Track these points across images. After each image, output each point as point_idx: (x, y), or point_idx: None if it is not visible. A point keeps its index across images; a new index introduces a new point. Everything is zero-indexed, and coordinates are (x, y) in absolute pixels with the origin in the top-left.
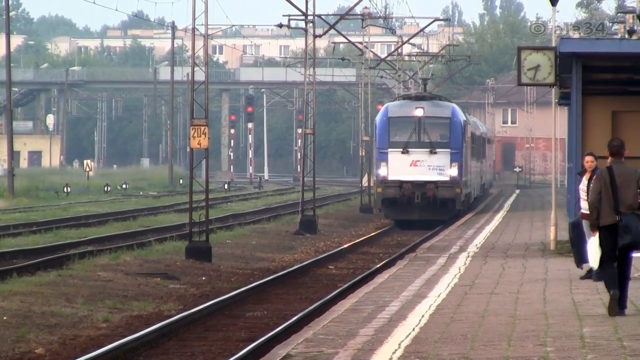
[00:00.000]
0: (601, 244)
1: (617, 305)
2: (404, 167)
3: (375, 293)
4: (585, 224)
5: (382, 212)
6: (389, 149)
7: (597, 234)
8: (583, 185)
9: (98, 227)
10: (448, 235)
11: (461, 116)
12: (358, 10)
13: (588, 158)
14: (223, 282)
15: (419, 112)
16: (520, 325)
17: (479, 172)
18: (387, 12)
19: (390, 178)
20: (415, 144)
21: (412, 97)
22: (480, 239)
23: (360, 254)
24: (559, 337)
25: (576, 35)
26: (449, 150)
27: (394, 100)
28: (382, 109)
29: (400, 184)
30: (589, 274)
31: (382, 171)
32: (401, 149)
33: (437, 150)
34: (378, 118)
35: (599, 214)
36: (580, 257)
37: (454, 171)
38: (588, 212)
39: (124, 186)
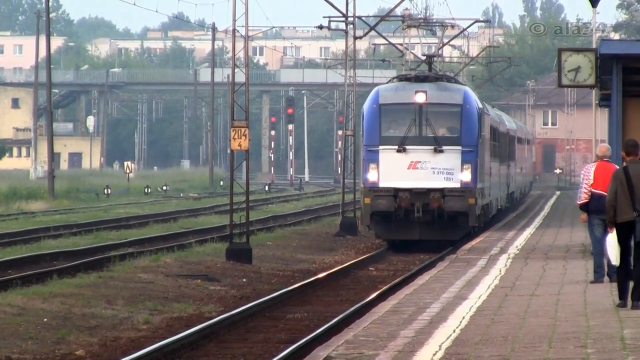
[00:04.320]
0: (618, 240)
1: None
2: (400, 170)
3: (416, 295)
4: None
5: (370, 229)
6: (380, 147)
7: (615, 231)
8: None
9: (138, 228)
10: (488, 237)
11: (477, 103)
12: (398, 11)
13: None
14: (264, 284)
15: (419, 98)
16: (561, 327)
17: (504, 177)
18: (428, 14)
19: (381, 185)
20: (414, 139)
21: (410, 78)
22: (520, 241)
23: (400, 256)
24: (600, 339)
25: (617, 37)
26: (459, 147)
27: (387, 82)
28: (371, 93)
29: (395, 192)
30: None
31: (371, 176)
32: (396, 147)
33: (444, 147)
34: (366, 106)
35: (615, 211)
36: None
37: (466, 175)
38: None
39: (164, 188)
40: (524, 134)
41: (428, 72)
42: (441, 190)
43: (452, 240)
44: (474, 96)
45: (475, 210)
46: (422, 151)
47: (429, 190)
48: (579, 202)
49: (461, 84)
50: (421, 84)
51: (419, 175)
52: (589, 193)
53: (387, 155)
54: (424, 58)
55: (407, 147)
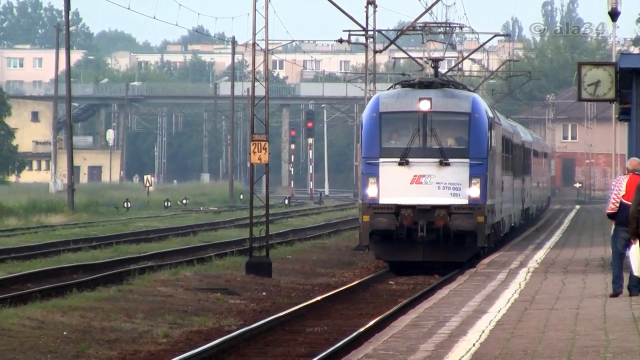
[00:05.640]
0: None
1: None
2: (402, 185)
3: (436, 308)
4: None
5: (370, 250)
6: (381, 159)
7: (638, 243)
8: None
9: (158, 242)
10: (508, 251)
11: (487, 112)
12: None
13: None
14: (283, 298)
15: (424, 106)
16: (580, 341)
17: (518, 192)
18: (448, 28)
19: (382, 201)
20: (418, 151)
21: (414, 84)
22: (540, 255)
23: (420, 269)
24: (619, 353)
25: (636, 51)
26: (467, 160)
27: (389, 89)
28: (371, 100)
29: (397, 209)
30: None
31: (371, 191)
32: (398, 159)
33: (451, 160)
34: (365, 114)
35: (638, 223)
36: None
37: (474, 191)
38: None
39: (184, 201)
40: (541, 146)
41: (433, 78)
42: (447, 207)
43: (459, 262)
44: (483, 104)
45: (484, 229)
46: (426, 164)
47: (433, 207)
48: (607, 211)
49: (470, 90)
50: (426, 91)
51: (422, 191)
52: (618, 203)
53: (388, 168)
54: (430, 63)
55: (410, 159)
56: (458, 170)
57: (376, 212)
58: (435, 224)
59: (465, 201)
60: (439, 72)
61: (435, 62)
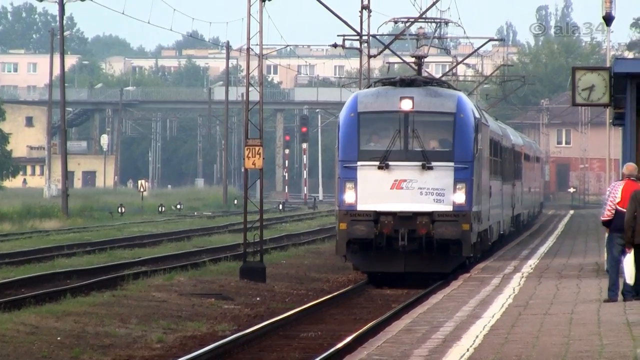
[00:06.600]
0: (636, 261)
1: None
2: (382, 190)
3: (430, 314)
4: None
5: (347, 260)
6: (359, 163)
7: (633, 251)
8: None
9: (152, 247)
10: (502, 256)
11: (473, 112)
12: (413, 30)
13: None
14: (277, 303)
15: (405, 105)
16: (574, 346)
17: (508, 197)
18: (442, 33)
19: (360, 208)
20: (399, 154)
21: (395, 82)
22: (534, 260)
23: (414, 275)
24: (613, 358)
25: (630, 56)
26: (452, 164)
27: (368, 87)
28: (349, 100)
29: (376, 216)
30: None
31: (348, 197)
32: (377, 163)
33: (434, 164)
34: (342, 114)
35: (634, 232)
36: None
37: (459, 196)
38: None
39: (178, 206)
40: (533, 150)
41: (416, 75)
42: (430, 214)
43: (442, 273)
44: (469, 103)
45: (470, 237)
46: (407, 168)
47: (415, 214)
48: (602, 218)
49: (455, 88)
50: (407, 89)
51: (404, 197)
52: (614, 210)
53: (367, 172)
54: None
55: (390, 163)
56: (442, 175)
57: (354, 219)
58: (417, 232)
59: (449, 208)
60: (423, 69)
61: (419, 59)
